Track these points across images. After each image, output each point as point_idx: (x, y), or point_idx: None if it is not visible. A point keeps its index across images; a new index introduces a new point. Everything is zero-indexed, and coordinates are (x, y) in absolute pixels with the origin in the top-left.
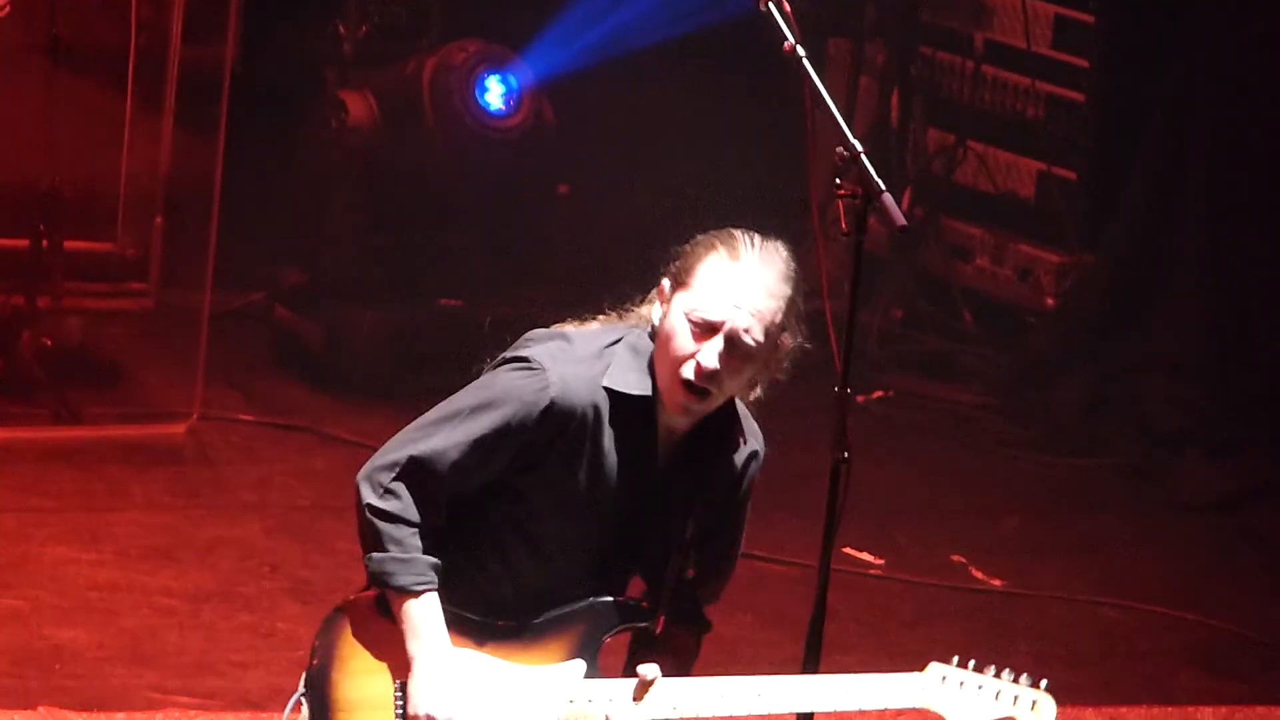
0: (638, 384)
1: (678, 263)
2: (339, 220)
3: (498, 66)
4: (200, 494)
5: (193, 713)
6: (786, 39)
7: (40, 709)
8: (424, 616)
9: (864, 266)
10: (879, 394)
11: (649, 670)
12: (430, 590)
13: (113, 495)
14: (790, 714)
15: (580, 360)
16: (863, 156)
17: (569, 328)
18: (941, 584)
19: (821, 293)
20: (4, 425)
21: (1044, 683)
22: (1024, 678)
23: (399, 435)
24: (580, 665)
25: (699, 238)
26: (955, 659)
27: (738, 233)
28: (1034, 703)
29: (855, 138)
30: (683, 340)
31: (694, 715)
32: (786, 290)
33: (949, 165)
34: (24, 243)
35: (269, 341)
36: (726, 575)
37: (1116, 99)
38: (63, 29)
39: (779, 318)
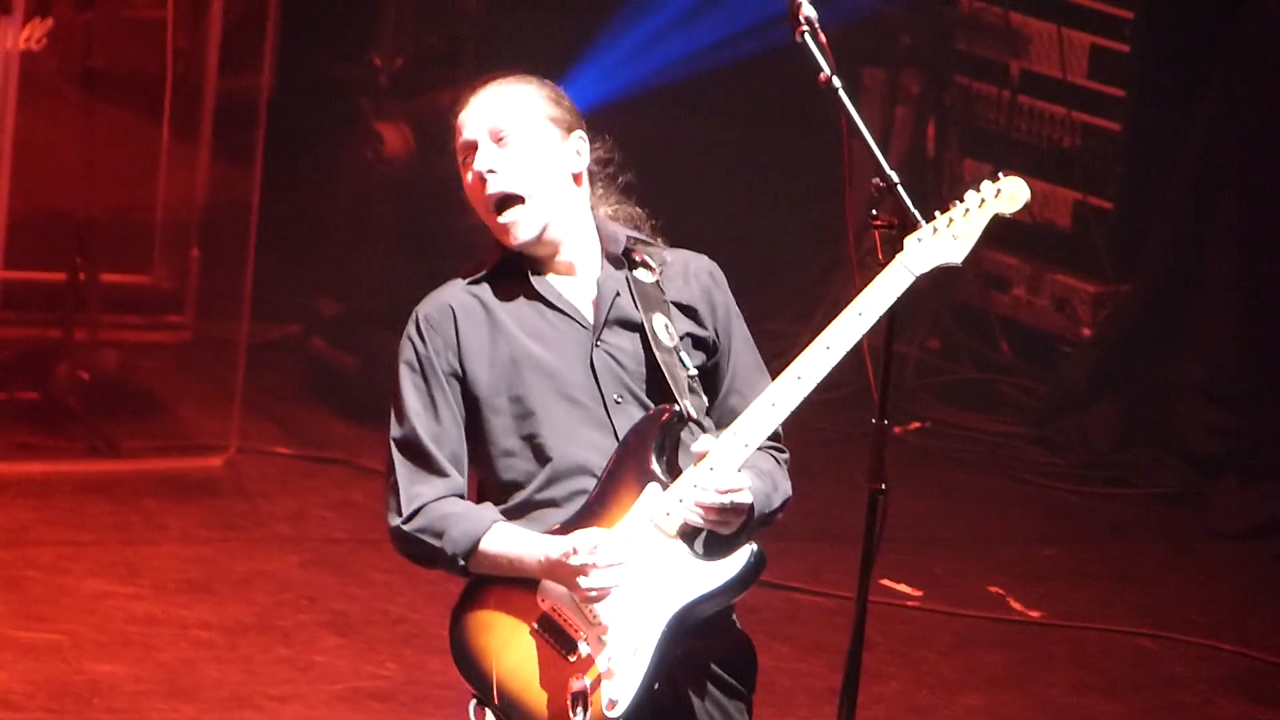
0: (484, 262)
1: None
2: (375, 251)
3: None
4: (237, 526)
5: None
6: (822, 70)
7: None
8: (507, 537)
9: (900, 297)
10: (916, 425)
11: (701, 444)
12: (496, 520)
13: (149, 528)
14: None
15: (440, 289)
16: (898, 187)
17: None
18: (979, 615)
19: None
20: (41, 458)
21: (1000, 174)
22: (983, 183)
23: (386, 476)
24: (654, 488)
25: None
26: (921, 222)
27: None
28: (998, 191)
29: (891, 168)
30: (467, 179)
31: (762, 438)
32: (515, 84)
33: None
34: (60, 275)
35: (306, 373)
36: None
37: (1152, 129)
38: (98, 59)
39: (517, 103)
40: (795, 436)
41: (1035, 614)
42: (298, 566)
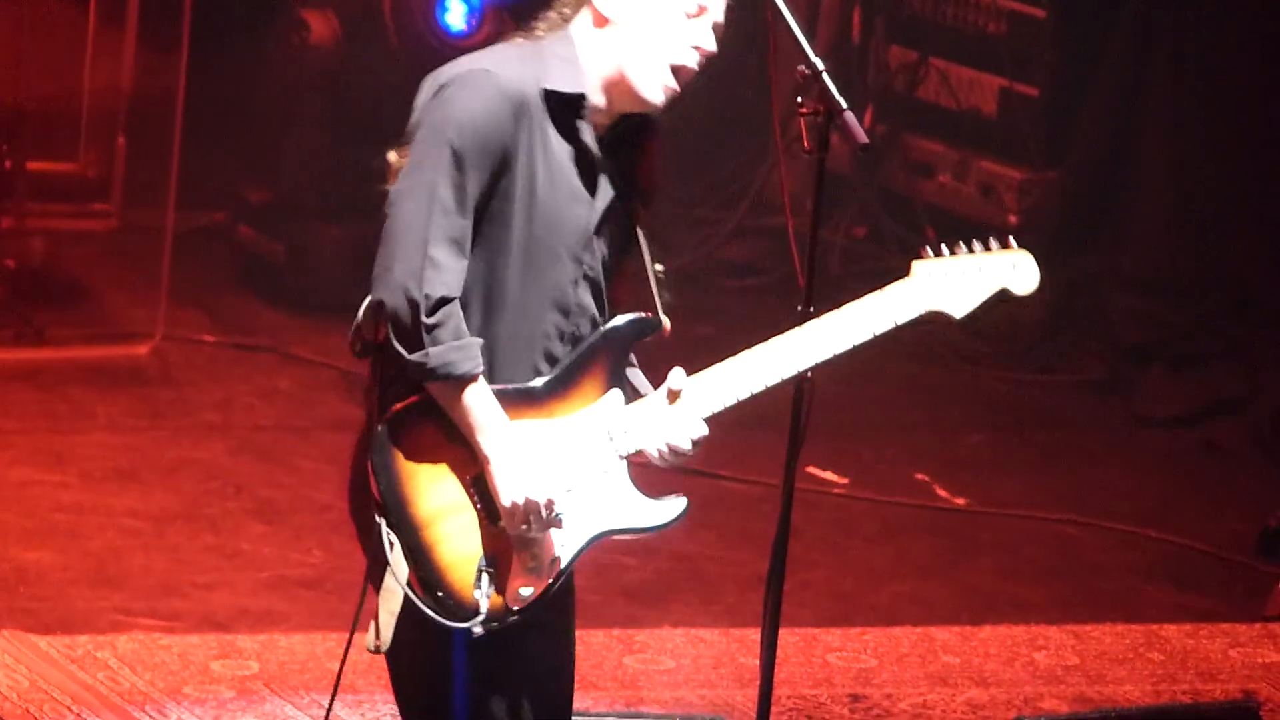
0: (574, 82)
1: None
2: (301, 138)
3: None
4: (164, 415)
5: (157, 634)
6: None
7: (4, 631)
8: (483, 403)
9: (826, 184)
10: None
11: (677, 379)
12: (481, 371)
13: (76, 416)
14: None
15: (510, 62)
16: (824, 74)
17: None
18: (905, 502)
19: (784, 210)
20: None
21: (1012, 241)
22: (993, 244)
23: (405, 232)
24: (617, 395)
25: None
26: (929, 250)
27: None
28: (1014, 264)
29: (817, 55)
30: (676, 28)
31: (739, 399)
32: None
33: (911, 82)
34: None
35: (232, 260)
36: None
37: (1078, 14)
38: None
39: None
40: (718, 322)
41: (961, 501)
42: (224, 454)
